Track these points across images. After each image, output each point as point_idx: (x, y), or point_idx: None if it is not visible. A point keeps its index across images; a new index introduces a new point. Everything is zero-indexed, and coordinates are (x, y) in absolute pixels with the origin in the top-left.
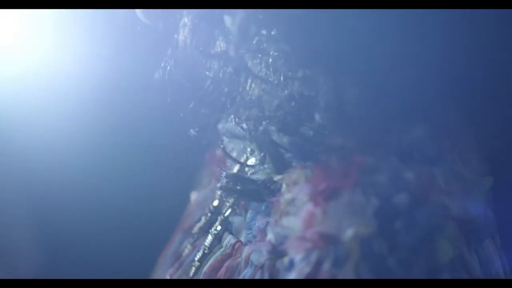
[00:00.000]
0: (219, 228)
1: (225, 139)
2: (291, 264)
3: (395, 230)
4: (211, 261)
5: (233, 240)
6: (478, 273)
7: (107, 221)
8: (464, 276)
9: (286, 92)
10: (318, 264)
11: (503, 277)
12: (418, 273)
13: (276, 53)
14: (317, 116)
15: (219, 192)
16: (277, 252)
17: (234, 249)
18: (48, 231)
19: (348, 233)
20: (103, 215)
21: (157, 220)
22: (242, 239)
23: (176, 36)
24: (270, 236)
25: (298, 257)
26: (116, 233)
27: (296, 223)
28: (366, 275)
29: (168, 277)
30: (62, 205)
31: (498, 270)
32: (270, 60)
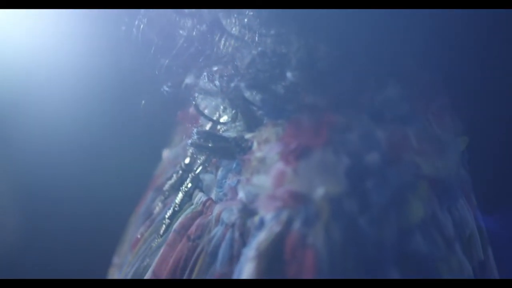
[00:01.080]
0: (189, 185)
1: (198, 96)
2: (262, 223)
3: (366, 189)
4: (181, 218)
5: (204, 198)
6: (451, 233)
7: (80, 179)
8: (436, 235)
9: (258, 49)
10: (288, 223)
11: (477, 237)
12: (389, 233)
13: (252, 13)
14: (289, 74)
15: (190, 150)
16: (247, 210)
17: (205, 207)
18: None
19: (319, 192)
20: (76, 172)
21: (129, 178)
22: (213, 197)
23: None
24: (241, 195)
25: (268, 216)
26: (88, 190)
27: (267, 182)
28: (336, 234)
29: (139, 236)
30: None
31: (473, 231)
32: (246, 20)
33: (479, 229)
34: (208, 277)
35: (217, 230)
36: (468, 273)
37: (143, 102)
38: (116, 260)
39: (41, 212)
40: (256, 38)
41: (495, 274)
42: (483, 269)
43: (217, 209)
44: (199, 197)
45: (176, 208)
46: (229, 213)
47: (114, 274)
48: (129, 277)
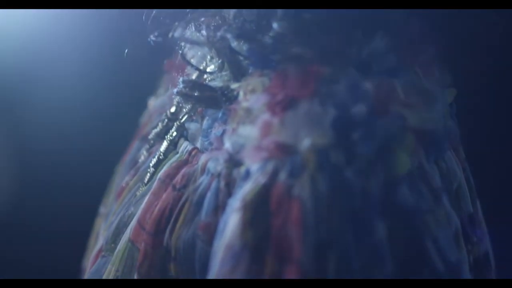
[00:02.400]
0: (174, 134)
1: (185, 46)
2: (247, 173)
3: (353, 140)
4: (166, 167)
5: (189, 147)
6: (438, 185)
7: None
8: (423, 187)
9: None
10: (274, 174)
11: (465, 190)
12: (375, 184)
13: None
14: (275, 25)
15: (176, 99)
16: (233, 161)
17: (191, 156)
18: None
19: (305, 143)
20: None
21: (116, 127)
22: (198, 146)
23: None
24: (227, 145)
25: (254, 166)
26: (76, 141)
27: (253, 132)
28: (322, 185)
29: (124, 185)
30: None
31: (460, 183)
32: None
33: (467, 181)
34: (193, 226)
35: (203, 180)
36: (455, 225)
37: (126, 51)
38: (102, 210)
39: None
40: None
41: (483, 227)
42: (472, 222)
43: (203, 158)
44: (184, 146)
45: (160, 157)
46: (215, 163)
47: (101, 224)
48: (114, 226)
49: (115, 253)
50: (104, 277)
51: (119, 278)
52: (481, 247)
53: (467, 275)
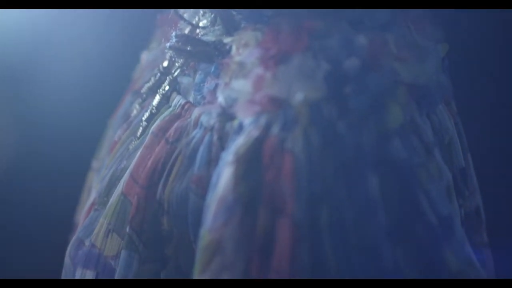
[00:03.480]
0: (167, 88)
1: None
2: (240, 127)
3: (345, 94)
4: (159, 121)
5: (182, 101)
6: (430, 139)
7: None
8: (415, 140)
9: None
10: (267, 127)
11: (457, 144)
12: (368, 138)
13: None
14: None
15: (169, 53)
16: (226, 114)
17: (184, 110)
18: None
19: (298, 97)
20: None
21: (109, 81)
22: (191, 100)
23: None
24: (220, 99)
25: (247, 120)
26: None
27: (246, 86)
28: (315, 139)
29: (116, 139)
30: None
31: (453, 137)
32: None
33: (459, 136)
34: (185, 180)
35: (196, 133)
36: (447, 179)
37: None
38: (94, 164)
39: None
40: None
41: (474, 182)
42: (464, 176)
43: (195, 112)
44: (177, 100)
45: (153, 111)
46: (208, 116)
47: (93, 178)
48: (106, 179)
49: (108, 206)
50: (96, 231)
51: (111, 231)
52: (472, 201)
53: (459, 228)
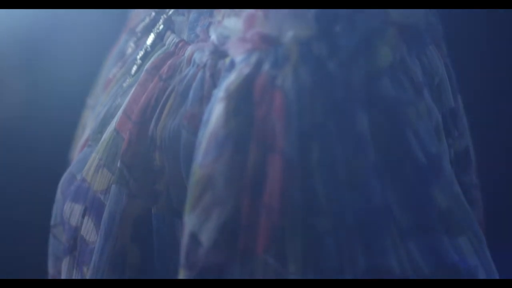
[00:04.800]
0: (161, 27)
1: None
2: (232, 64)
3: (335, 33)
4: (153, 59)
5: (176, 39)
6: (419, 79)
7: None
8: (404, 80)
9: None
10: (258, 65)
11: (447, 84)
12: (357, 76)
13: None
14: None
15: None
16: (219, 52)
17: (177, 48)
18: None
19: (289, 34)
20: None
21: (103, 21)
22: (185, 38)
23: None
24: (212, 37)
25: (238, 58)
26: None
27: (238, 24)
28: (305, 76)
29: (111, 77)
30: None
31: (442, 77)
32: None
33: (449, 77)
34: (178, 116)
35: (189, 71)
36: (436, 119)
37: None
38: (89, 101)
39: None
40: None
41: (464, 123)
42: (453, 117)
43: (189, 50)
44: (171, 38)
45: (147, 49)
46: (201, 54)
47: (88, 115)
48: (100, 116)
49: (100, 142)
50: (87, 166)
51: (102, 166)
52: (462, 142)
53: (447, 167)
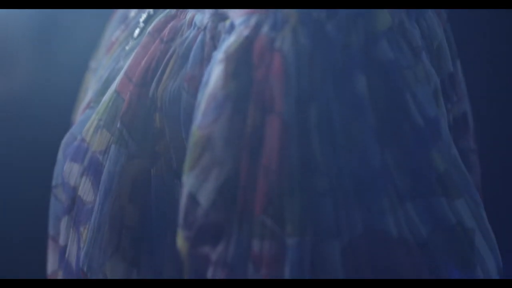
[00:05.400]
0: None
1: None
2: (232, 27)
3: None
4: (155, 22)
5: None
6: (418, 43)
7: None
8: (403, 43)
9: None
10: (257, 27)
11: (446, 49)
12: (356, 38)
13: None
14: None
15: None
16: (219, 15)
17: (179, 11)
18: None
19: None
20: None
21: None
22: None
23: None
24: None
25: (238, 20)
26: None
27: None
28: (303, 38)
29: (114, 40)
30: None
31: (441, 42)
32: None
33: (448, 42)
34: (178, 78)
35: (190, 33)
36: (435, 83)
37: None
38: (92, 64)
39: None
40: None
41: (463, 88)
42: (452, 82)
43: (190, 13)
44: None
45: (150, 13)
46: (202, 16)
47: (90, 78)
48: (103, 79)
49: (100, 104)
50: (87, 126)
51: (102, 127)
52: (460, 107)
53: (445, 131)
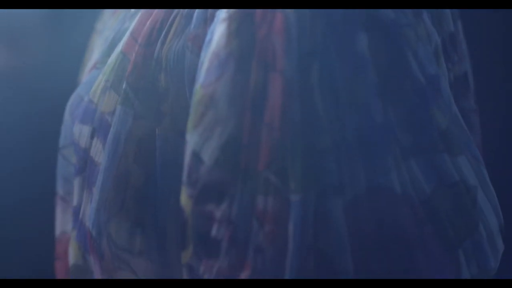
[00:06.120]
0: None
1: None
2: None
3: None
4: None
5: None
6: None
7: None
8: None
9: None
10: None
11: (448, 10)
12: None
13: None
14: None
15: None
16: None
17: None
18: None
19: None
20: None
21: None
22: None
23: None
24: None
25: None
26: None
27: None
28: None
29: None
30: None
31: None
32: None
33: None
34: (183, 38)
35: None
36: (435, 42)
37: None
38: (98, 26)
39: None
40: None
41: (463, 48)
42: (453, 41)
43: None
44: None
45: None
46: None
47: (96, 39)
48: (109, 40)
49: (106, 65)
50: (94, 87)
51: (109, 88)
52: (461, 67)
53: (446, 89)
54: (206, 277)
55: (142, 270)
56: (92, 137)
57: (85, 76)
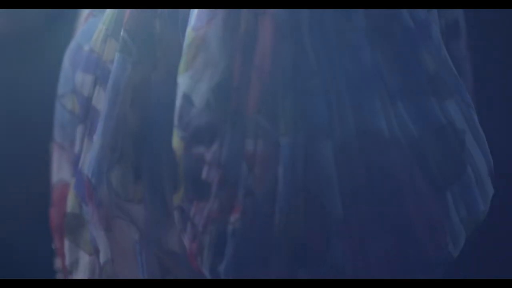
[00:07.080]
0: None
1: None
2: None
3: None
4: None
5: None
6: None
7: None
8: None
9: None
10: None
11: None
12: None
13: None
14: None
15: None
16: None
17: None
18: None
19: None
20: None
21: None
22: None
23: None
24: None
25: None
26: None
27: None
28: None
29: None
30: None
31: None
32: None
33: None
34: None
35: None
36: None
37: None
38: None
39: None
40: None
41: None
42: None
43: None
44: None
45: None
46: None
47: None
48: None
49: (106, 13)
50: (94, 36)
51: (109, 36)
52: (453, 14)
53: (436, 34)
54: (196, 219)
55: (141, 218)
56: (94, 86)
57: (82, 24)
